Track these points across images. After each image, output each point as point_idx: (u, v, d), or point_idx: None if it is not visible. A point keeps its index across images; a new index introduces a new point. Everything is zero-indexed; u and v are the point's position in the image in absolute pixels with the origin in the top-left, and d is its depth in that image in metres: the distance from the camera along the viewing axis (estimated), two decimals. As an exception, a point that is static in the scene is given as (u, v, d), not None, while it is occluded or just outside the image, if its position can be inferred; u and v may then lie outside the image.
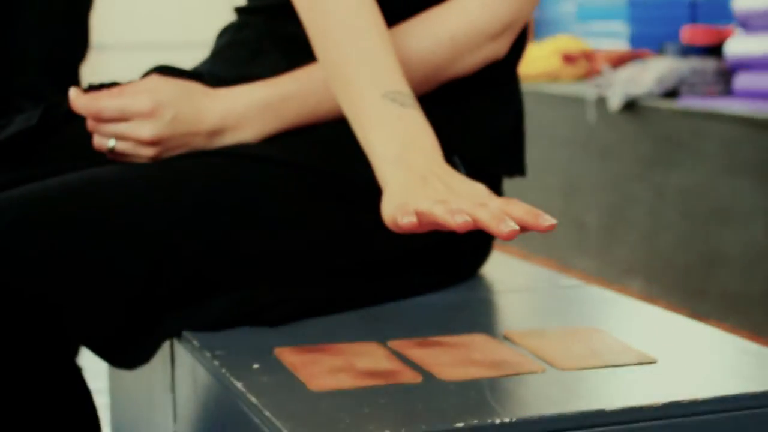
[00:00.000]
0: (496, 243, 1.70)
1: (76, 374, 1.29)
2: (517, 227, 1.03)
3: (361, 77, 1.25)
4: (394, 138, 1.20)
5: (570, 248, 3.79)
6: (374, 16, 1.30)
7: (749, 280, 3.02)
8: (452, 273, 1.49)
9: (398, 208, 1.09)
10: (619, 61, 3.83)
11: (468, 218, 1.04)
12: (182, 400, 1.30)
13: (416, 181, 1.15)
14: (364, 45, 1.27)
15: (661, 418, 1.04)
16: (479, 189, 1.13)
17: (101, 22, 5.03)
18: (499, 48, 1.43)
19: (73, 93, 1.35)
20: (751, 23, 3.31)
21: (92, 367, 2.21)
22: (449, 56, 1.40)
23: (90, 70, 4.41)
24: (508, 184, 1.62)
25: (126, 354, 1.27)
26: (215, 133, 1.37)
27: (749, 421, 1.07)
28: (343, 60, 1.27)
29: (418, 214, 1.08)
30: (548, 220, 1.05)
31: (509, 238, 1.03)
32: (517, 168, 1.54)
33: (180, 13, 4.96)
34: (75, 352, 1.47)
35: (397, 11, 1.40)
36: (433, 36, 1.40)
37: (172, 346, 1.32)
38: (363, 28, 1.28)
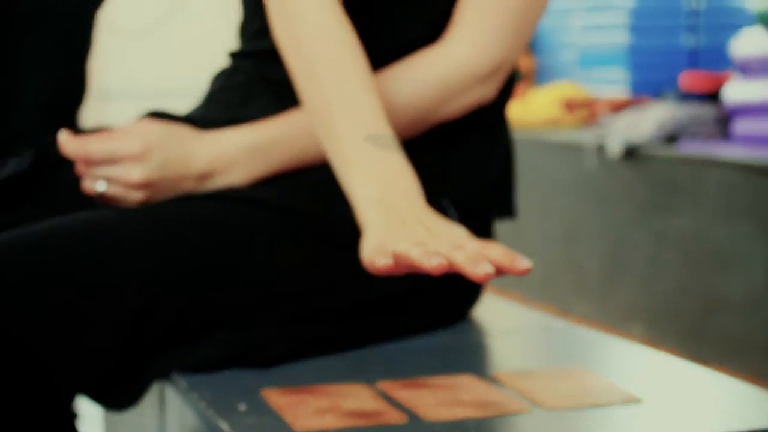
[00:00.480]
0: (498, 287, 1.70)
1: (69, 421, 1.29)
2: (492, 270, 1.04)
3: (344, 120, 1.26)
4: (375, 180, 1.21)
5: (570, 293, 3.79)
6: (358, 59, 1.31)
7: (749, 324, 3.01)
8: (443, 315, 1.49)
9: (375, 250, 1.11)
10: (619, 108, 3.84)
11: (443, 261, 1.05)
12: (171, 443, 1.31)
13: (396, 223, 1.15)
14: (347, 88, 1.28)
15: (645, 458, 1.04)
16: (459, 232, 1.14)
17: (107, 70, 5.06)
18: (488, 91, 1.44)
19: (63, 137, 1.36)
20: (750, 69, 3.32)
21: (89, 413, 2.20)
22: (438, 99, 1.41)
23: (96, 118, 4.43)
24: (508, 230, 1.62)
25: (116, 396, 1.27)
26: (204, 176, 1.37)
27: (734, 460, 1.07)
28: (327, 102, 1.28)
29: (395, 255, 1.09)
30: (524, 264, 1.05)
31: (484, 281, 1.04)
32: (507, 210, 1.54)
33: (186, 62, 4.99)
34: (70, 398, 1.46)
35: (383, 55, 1.41)
36: (421, 79, 1.40)
37: (162, 389, 1.33)
38: (346, 71, 1.29)
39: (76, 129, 1.45)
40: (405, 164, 1.24)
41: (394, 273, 1.11)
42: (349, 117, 1.26)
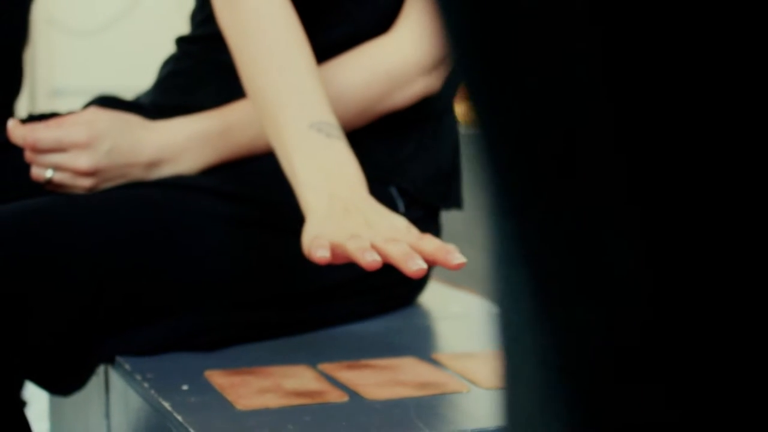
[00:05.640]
0: (450, 281, 1.72)
1: (18, 408, 1.29)
2: (424, 266, 1.05)
3: (288, 107, 1.27)
4: (319, 168, 1.22)
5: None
6: (302, 46, 1.31)
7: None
8: (388, 301, 1.50)
9: (314, 241, 1.12)
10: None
11: (377, 258, 1.06)
12: (116, 426, 1.31)
13: (338, 212, 1.16)
14: (291, 75, 1.29)
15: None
16: (398, 223, 1.15)
17: (59, 68, 5.04)
18: (433, 82, 1.46)
19: (11, 123, 1.37)
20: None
21: (34, 407, 2.20)
22: (384, 90, 1.43)
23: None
24: (458, 224, 1.64)
25: (62, 381, 1.28)
26: (153, 164, 1.38)
27: None
28: (270, 89, 1.29)
29: (332, 247, 1.10)
30: (458, 258, 1.07)
31: (416, 276, 1.05)
32: (454, 201, 1.56)
33: (138, 61, 4.98)
34: (18, 386, 1.46)
35: (332, 45, 1.42)
36: (368, 70, 1.42)
37: (106, 373, 1.34)
38: (291, 59, 1.30)
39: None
40: (348, 152, 1.25)
41: (332, 263, 1.12)
42: (293, 104, 1.27)
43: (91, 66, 5.17)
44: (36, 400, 2.18)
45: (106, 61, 5.18)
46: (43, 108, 4.99)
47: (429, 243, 1.08)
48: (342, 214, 1.16)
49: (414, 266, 1.05)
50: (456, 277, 4.12)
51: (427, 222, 1.50)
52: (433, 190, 1.52)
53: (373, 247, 1.07)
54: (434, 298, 1.58)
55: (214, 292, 1.33)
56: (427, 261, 1.06)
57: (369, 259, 1.06)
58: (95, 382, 1.35)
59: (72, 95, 5.06)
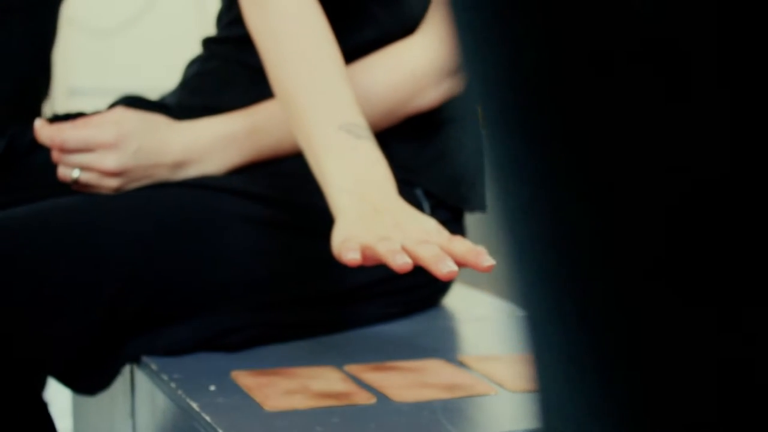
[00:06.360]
0: (470, 282, 1.72)
1: (42, 407, 1.30)
2: (455, 268, 1.05)
3: (317, 108, 1.26)
4: (349, 169, 1.22)
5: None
6: (331, 48, 1.31)
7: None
8: (413, 303, 1.50)
9: (344, 243, 1.11)
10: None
11: (408, 260, 1.06)
12: (142, 426, 1.32)
13: (368, 213, 1.16)
14: (320, 77, 1.29)
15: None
16: (428, 225, 1.15)
17: (77, 68, 5.05)
18: (459, 84, 1.45)
19: (38, 123, 1.37)
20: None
21: (56, 405, 2.21)
22: (410, 92, 1.43)
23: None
24: (479, 226, 1.64)
25: (88, 380, 1.28)
26: (179, 165, 1.38)
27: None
28: (299, 91, 1.28)
29: (362, 249, 1.10)
30: (488, 260, 1.06)
31: (448, 278, 1.05)
32: (479, 204, 1.56)
33: (156, 61, 4.99)
34: (43, 385, 1.47)
35: (359, 48, 1.42)
36: (394, 72, 1.42)
37: (132, 373, 1.34)
38: (320, 61, 1.30)
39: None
40: (378, 154, 1.25)
41: (362, 264, 1.12)
42: (322, 106, 1.27)
43: (109, 66, 5.18)
44: (58, 397, 2.18)
45: (123, 61, 5.19)
46: (59, 107, 4.99)
47: (459, 245, 1.08)
48: (372, 216, 1.16)
49: (445, 268, 1.05)
50: (475, 278, 4.12)
51: (452, 225, 1.50)
52: (458, 192, 1.52)
53: (404, 249, 1.07)
54: (457, 300, 1.58)
55: (239, 292, 1.33)
56: (457, 263, 1.05)
57: (400, 262, 1.06)
58: (120, 382, 1.35)
59: (89, 95, 5.06)
